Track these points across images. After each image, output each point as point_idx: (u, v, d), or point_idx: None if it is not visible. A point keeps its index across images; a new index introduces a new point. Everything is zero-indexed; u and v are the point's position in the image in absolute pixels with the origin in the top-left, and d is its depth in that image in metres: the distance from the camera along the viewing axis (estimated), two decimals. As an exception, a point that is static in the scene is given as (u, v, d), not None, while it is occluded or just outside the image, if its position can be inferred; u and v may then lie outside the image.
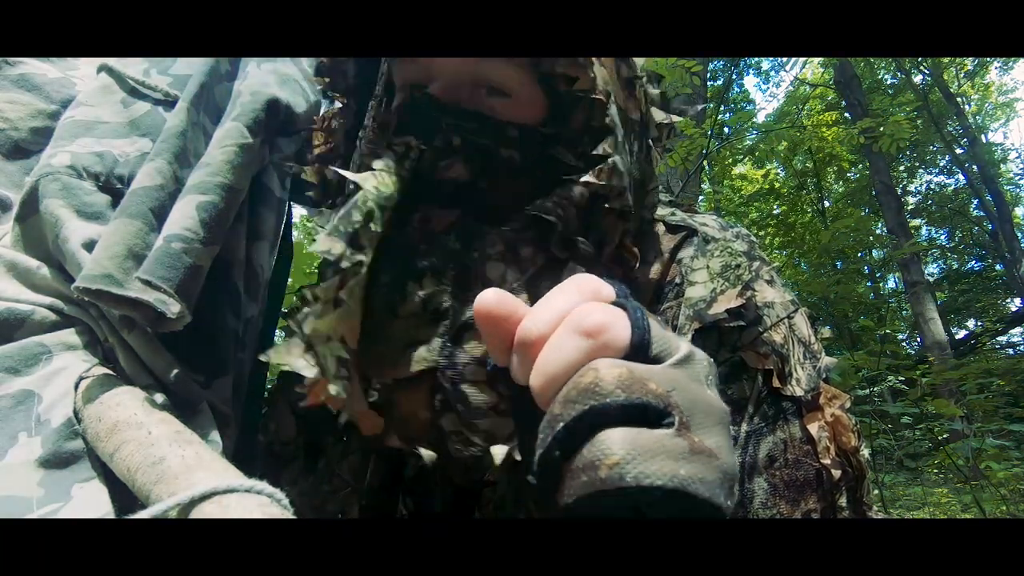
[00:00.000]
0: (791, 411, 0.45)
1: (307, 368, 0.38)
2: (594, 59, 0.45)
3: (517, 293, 0.43)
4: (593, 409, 0.25)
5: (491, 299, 0.31)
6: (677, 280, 0.49)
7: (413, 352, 0.42)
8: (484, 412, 0.41)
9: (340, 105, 0.56)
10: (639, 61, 0.51)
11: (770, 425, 0.44)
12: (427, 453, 0.43)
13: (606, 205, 0.45)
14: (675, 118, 0.53)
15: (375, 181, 0.43)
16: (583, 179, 0.44)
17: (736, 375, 0.45)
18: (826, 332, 0.51)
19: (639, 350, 0.28)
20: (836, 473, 0.44)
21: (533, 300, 0.42)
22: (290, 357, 0.39)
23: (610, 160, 0.44)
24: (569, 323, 0.29)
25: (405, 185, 0.43)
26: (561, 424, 0.26)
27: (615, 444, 0.24)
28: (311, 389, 0.39)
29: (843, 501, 0.44)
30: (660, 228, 0.53)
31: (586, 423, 0.25)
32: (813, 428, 0.45)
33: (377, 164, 0.44)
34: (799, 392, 0.46)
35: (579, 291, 0.31)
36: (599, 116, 0.46)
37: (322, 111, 0.62)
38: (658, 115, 0.53)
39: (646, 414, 0.25)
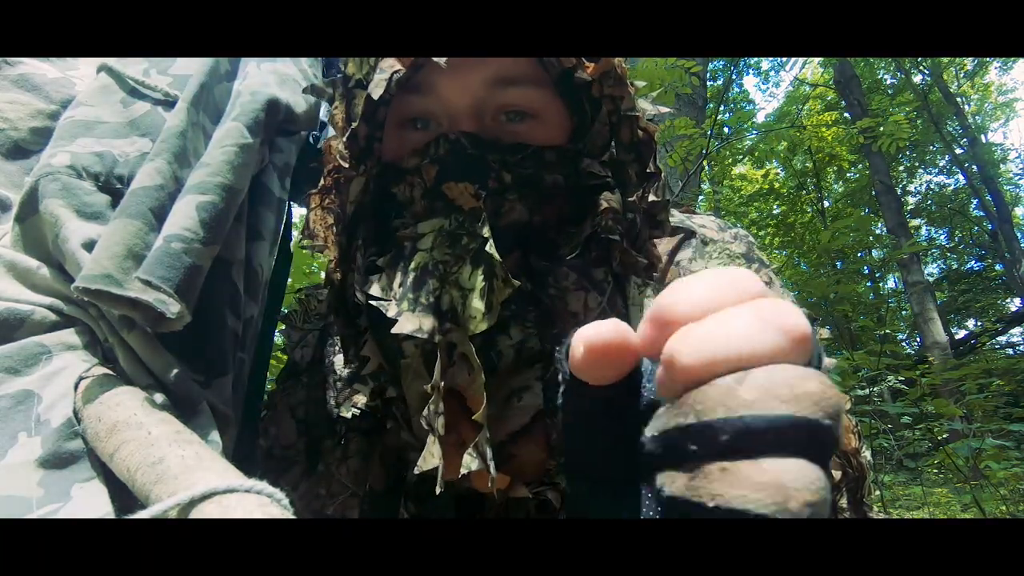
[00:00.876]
0: None
1: (477, 463, 0.37)
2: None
3: (605, 315, 0.43)
4: (810, 424, 0.21)
5: (610, 331, 0.25)
6: None
7: (518, 402, 0.41)
8: None
9: (343, 167, 0.51)
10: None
11: None
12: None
13: (656, 218, 0.45)
14: (663, 109, 0.53)
15: (436, 239, 0.41)
16: (651, 198, 0.45)
17: None
18: (825, 333, 0.51)
19: None
20: (836, 474, 0.44)
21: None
22: (435, 459, 0.38)
23: (663, 175, 0.45)
24: (759, 312, 0.22)
25: (479, 247, 0.41)
26: (753, 413, 0.21)
27: (817, 483, 0.20)
28: (476, 480, 0.38)
29: (844, 502, 0.44)
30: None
31: (788, 431, 0.21)
32: None
33: (428, 225, 0.42)
34: None
35: (739, 288, 0.24)
36: (629, 132, 0.46)
37: (322, 111, 0.62)
38: (645, 106, 0.52)
39: (825, 452, 0.21)
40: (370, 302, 0.42)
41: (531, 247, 0.44)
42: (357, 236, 0.50)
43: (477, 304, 0.39)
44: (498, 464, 0.40)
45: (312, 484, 0.54)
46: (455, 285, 0.40)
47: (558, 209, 0.46)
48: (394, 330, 0.39)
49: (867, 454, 0.46)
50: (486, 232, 0.40)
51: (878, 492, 2.48)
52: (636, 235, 0.46)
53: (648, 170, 0.47)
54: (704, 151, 2.43)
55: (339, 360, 0.57)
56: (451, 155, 0.44)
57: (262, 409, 0.62)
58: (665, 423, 0.23)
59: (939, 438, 3.01)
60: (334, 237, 0.50)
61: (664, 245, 0.52)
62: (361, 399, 0.52)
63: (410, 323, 0.39)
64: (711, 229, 0.53)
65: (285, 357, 0.64)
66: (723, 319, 0.23)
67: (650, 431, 0.23)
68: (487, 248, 0.40)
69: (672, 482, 0.22)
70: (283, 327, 0.64)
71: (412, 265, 0.42)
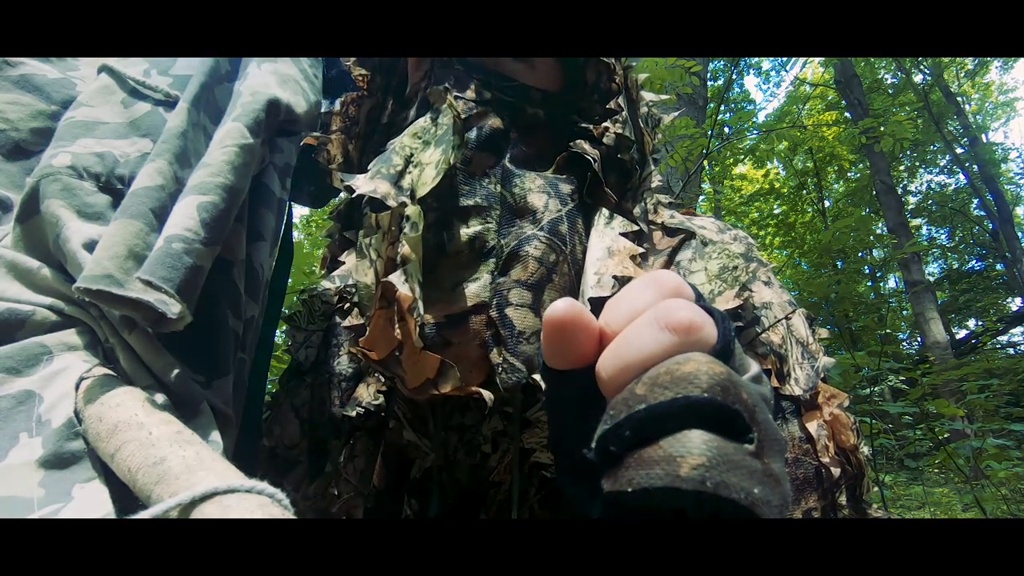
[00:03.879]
0: (790, 410, 0.45)
1: (402, 283, 0.38)
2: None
3: (559, 224, 0.44)
4: (688, 400, 0.23)
5: (562, 308, 0.28)
6: None
7: (463, 289, 0.42)
8: (528, 336, 0.42)
9: (361, 88, 0.58)
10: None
11: None
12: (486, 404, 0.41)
13: (617, 156, 0.47)
14: (663, 96, 0.55)
15: (411, 131, 0.44)
16: (604, 124, 0.47)
17: None
18: (824, 333, 0.51)
19: (721, 359, 0.25)
20: (835, 471, 0.44)
21: (572, 235, 0.45)
22: (360, 274, 0.40)
23: (623, 114, 0.47)
24: (655, 315, 0.26)
25: (443, 132, 0.43)
26: (643, 406, 0.24)
27: (702, 445, 0.22)
28: (404, 305, 0.39)
29: (843, 499, 0.44)
30: (659, 232, 0.54)
31: (673, 412, 0.23)
32: (812, 427, 0.45)
33: (413, 121, 0.46)
34: (797, 392, 0.46)
35: (659, 288, 0.28)
36: (607, 78, 0.49)
37: (323, 110, 0.62)
38: (647, 95, 0.54)
39: (732, 424, 0.23)
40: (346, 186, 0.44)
41: (507, 155, 0.47)
42: (367, 153, 0.54)
43: (429, 172, 0.41)
44: (432, 347, 0.41)
45: (322, 483, 0.55)
46: (416, 164, 0.42)
47: (539, 144, 0.49)
48: (355, 192, 0.41)
49: (865, 450, 0.46)
50: (448, 120, 0.43)
51: (877, 490, 2.48)
52: (607, 179, 0.48)
53: (608, 106, 0.49)
54: (704, 151, 2.43)
55: (343, 360, 0.58)
56: (443, 73, 0.48)
57: (265, 409, 0.62)
58: (598, 432, 0.26)
59: (940, 438, 3.00)
60: (350, 154, 0.55)
61: (664, 245, 0.52)
62: (366, 397, 0.52)
63: (367, 185, 0.41)
64: (711, 230, 0.53)
65: (286, 358, 0.64)
66: (629, 331, 0.27)
67: (593, 443, 0.26)
68: (450, 132, 0.42)
69: (606, 480, 0.25)
70: (287, 328, 0.65)
71: (386, 152, 0.44)
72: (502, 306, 0.42)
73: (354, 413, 0.53)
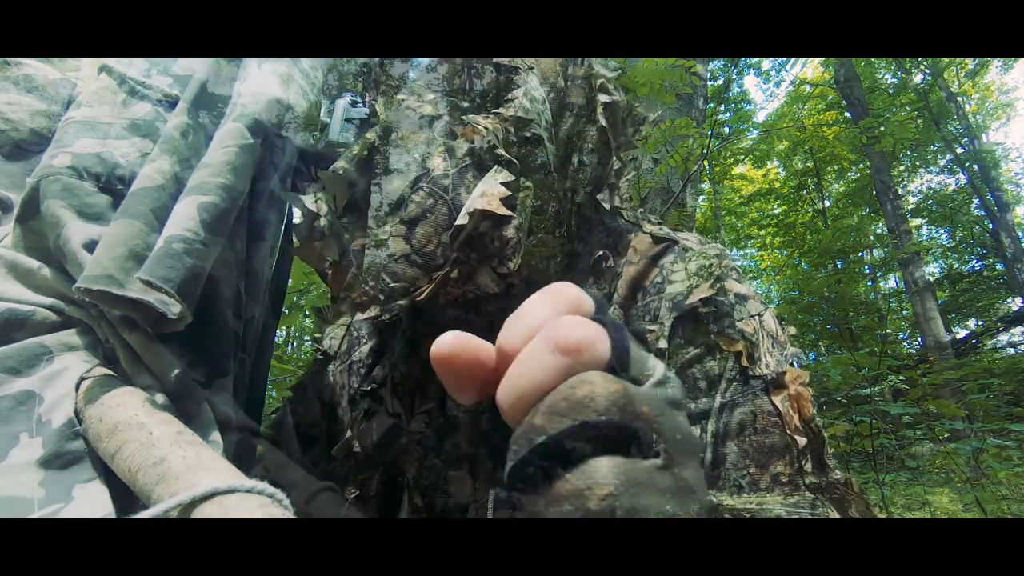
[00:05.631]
0: (760, 388, 0.52)
1: (312, 204, 0.53)
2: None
3: (442, 179, 0.52)
4: (586, 425, 0.23)
5: (449, 342, 0.28)
6: (659, 280, 0.59)
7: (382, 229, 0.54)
8: (397, 259, 0.52)
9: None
10: (607, 72, 0.62)
11: (741, 398, 0.52)
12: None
13: (513, 136, 0.54)
14: (615, 97, 0.62)
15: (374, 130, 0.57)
16: (493, 110, 0.55)
17: (712, 354, 0.54)
18: (792, 330, 0.58)
19: (617, 370, 0.26)
20: (801, 440, 0.49)
21: (457, 186, 0.53)
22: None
23: (515, 101, 0.55)
24: (546, 337, 0.26)
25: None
26: (542, 437, 0.23)
27: (608, 474, 0.22)
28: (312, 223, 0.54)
29: (809, 466, 0.50)
30: (648, 238, 0.63)
31: (574, 440, 0.23)
32: (779, 401, 0.51)
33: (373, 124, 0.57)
34: (767, 372, 0.52)
35: (556, 302, 0.29)
36: (509, 77, 0.57)
37: (322, 111, 0.63)
38: (601, 97, 0.61)
39: (635, 440, 0.23)
40: None
41: (436, 130, 0.56)
42: None
43: (363, 152, 0.56)
44: (352, 264, 0.54)
45: (343, 446, 0.64)
46: (368, 148, 0.55)
47: None
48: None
49: (818, 419, 0.52)
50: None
51: (876, 488, 2.47)
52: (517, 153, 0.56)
53: (507, 97, 0.57)
54: (704, 151, 2.42)
55: (363, 349, 0.69)
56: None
57: (262, 408, 0.64)
58: (506, 470, 0.25)
59: (940, 438, 3.00)
60: None
61: (650, 250, 0.61)
62: (379, 377, 0.62)
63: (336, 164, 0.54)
64: (692, 242, 0.62)
65: (287, 358, 0.69)
66: (522, 356, 0.26)
67: (505, 478, 0.26)
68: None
69: (525, 511, 0.25)
70: (314, 319, 0.76)
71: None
72: (388, 236, 0.53)
73: (369, 388, 0.63)
